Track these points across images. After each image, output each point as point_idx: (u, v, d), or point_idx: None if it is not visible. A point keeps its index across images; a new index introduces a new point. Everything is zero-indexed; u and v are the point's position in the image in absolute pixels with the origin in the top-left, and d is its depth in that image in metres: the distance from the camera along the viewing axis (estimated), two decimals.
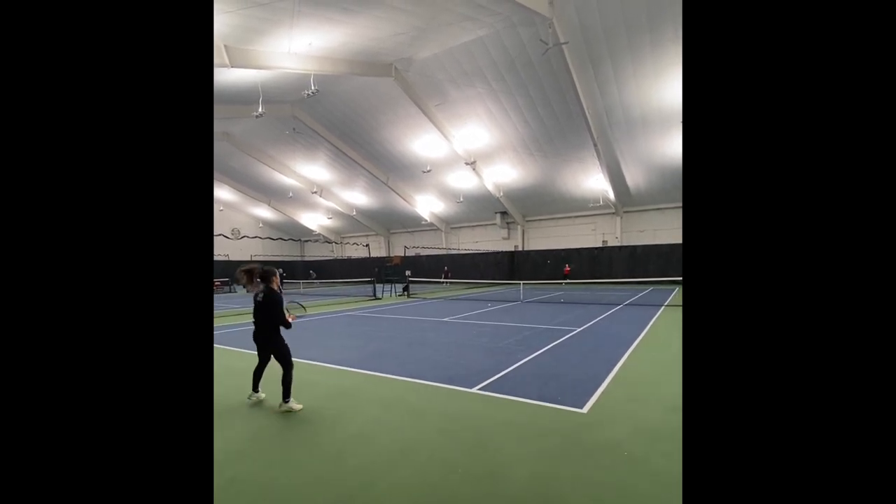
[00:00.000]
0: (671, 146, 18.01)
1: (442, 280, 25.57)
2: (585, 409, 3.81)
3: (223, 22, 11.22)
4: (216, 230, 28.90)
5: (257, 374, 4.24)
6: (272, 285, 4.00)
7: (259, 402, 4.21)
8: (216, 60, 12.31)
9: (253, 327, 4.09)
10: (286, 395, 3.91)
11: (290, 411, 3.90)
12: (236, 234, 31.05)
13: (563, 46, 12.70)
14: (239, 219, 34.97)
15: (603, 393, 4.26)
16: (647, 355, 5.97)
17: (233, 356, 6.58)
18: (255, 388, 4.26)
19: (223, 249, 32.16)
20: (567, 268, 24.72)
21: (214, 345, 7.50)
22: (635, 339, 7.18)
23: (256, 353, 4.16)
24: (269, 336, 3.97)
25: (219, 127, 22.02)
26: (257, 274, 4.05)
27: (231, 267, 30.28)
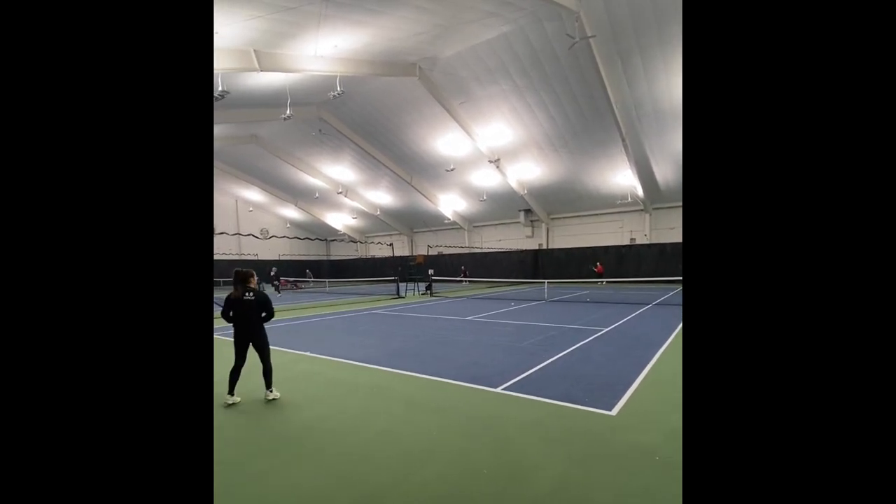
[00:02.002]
0: None
1: (460, 279, 25.44)
2: (614, 412, 3.69)
3: (252, 27, 11.55)
4: (245, 230, 29.88)
5: (235, 377, 4.16)
6: (251, 285, 4.22)
7: (236, 405, 4.10)
8: (246, 65, 12.70)
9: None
10: (270, 384, 4.27)
11: (274, 399, 4.20)
12: (265, 234, 32.01)
13: (591, 40, 12.38)
14: (267, 219, 36.04)
15: (633, 395, 4.12)
16: (678, 357, 5.73)
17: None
18: (232, 392, 4.15)
19: (252, 249, 33.22)
20: (599, 265, 23.71)
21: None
22: (666, 339, 6.92)
23: (235, 355, 4.13)
24: (259, 331, 4.20)
25: (247, 130, 22.73)
26: (239, 277, 4.21)
27: (260, 266, 31.40)
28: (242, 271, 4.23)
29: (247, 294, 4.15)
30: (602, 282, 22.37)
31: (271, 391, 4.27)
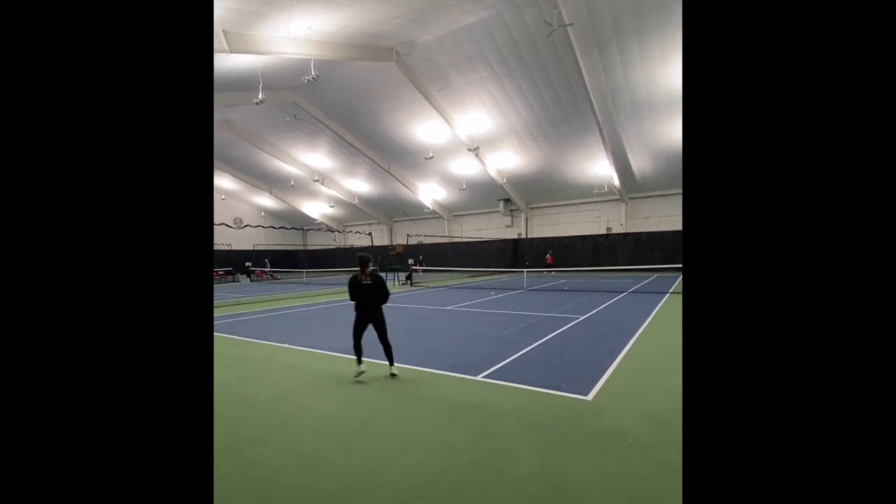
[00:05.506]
0: (677, 130, 17.70)
1: (416, 268, 25.46)
2: (590, 397, 3.79)
3: (221, 6, 10.98)
4: (218, 219, 28.87)
5: (360, 349, 4.57)
6: (368, 269, 4.51)
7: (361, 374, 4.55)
8: (215, 46, 12.09)
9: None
10: (393, 360, 4.58)
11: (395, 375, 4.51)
12: (238, 224, 31.05)
13: (568, 28, 12.38)
14: (241, 208, 34.92)
15: (608, 380, 4.24)
16: (651, 343, 5.94)
17: (243, 345, 6.60)
18: (361, 360, 4.59)
19: (225, 239, 32.20)
20: (549, 257, 24.87)
21: (222, 334, 7.53)
22: (640, 326, 7.15)
23: (356, 332, 4.50)
24: (378, 310, 4.53)
25: (219, 115, 21.80)
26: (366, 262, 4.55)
27: (233, 256, 30.50)
28: (363, 256, 4.51)
29: (362, 280, 4.44)
30: (552, 271, 23.22)
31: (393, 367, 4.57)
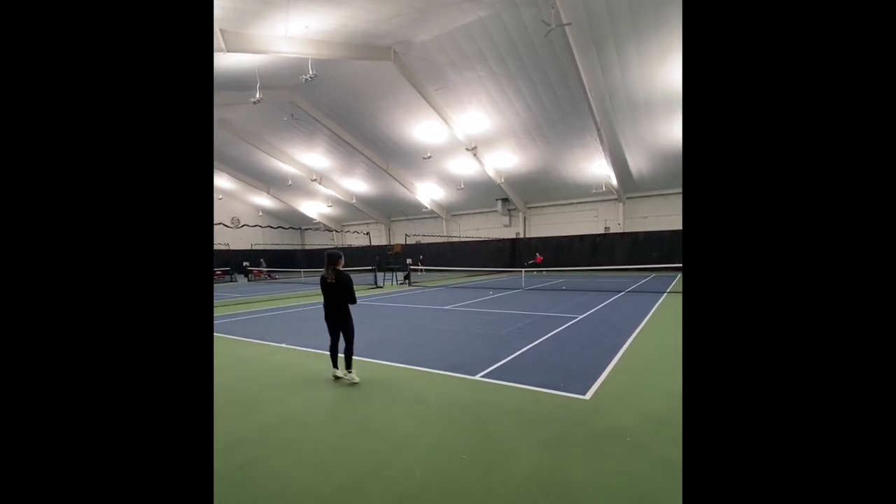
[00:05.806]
0: (675, 130, 17.75)
1: (418, 268, 25.44)
2: (588, 396, 3.80)
3: (219, 5, 10.94)
4: (215, 219, 28.80)
5: (335, 352, 4.49)
6: (339, 267, 4.34)
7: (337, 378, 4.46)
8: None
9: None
10: (350, 365, 4.35)
11: (352, 382, 4.30)
12: (236, 223, 30.97)
13: (566, 28, 12.39)
14: (238, 207, 34.81)
15: (605, 379, 4.25)
16: (649, 342, 5.95)
17: (241, 345, 6.59)
18: (336, 365, 4.51)
19: (223, 238, 32.10)
20: (539, 257, 25.21)
21: (220, 335, 7.51)
22: (637, 326, 7.16)
23: (329, 332, 4.43)
24: (343, 313, 4.31)
25: (216, 114, 21.72)
26: (328, 260, 4.36)
27: (231, 256, 30.41)
28: (331, 253, 4.36)
29: (327, 278, 4.28)
30: (542, 271, 23.36)
31: (349, 371, 4.35)
